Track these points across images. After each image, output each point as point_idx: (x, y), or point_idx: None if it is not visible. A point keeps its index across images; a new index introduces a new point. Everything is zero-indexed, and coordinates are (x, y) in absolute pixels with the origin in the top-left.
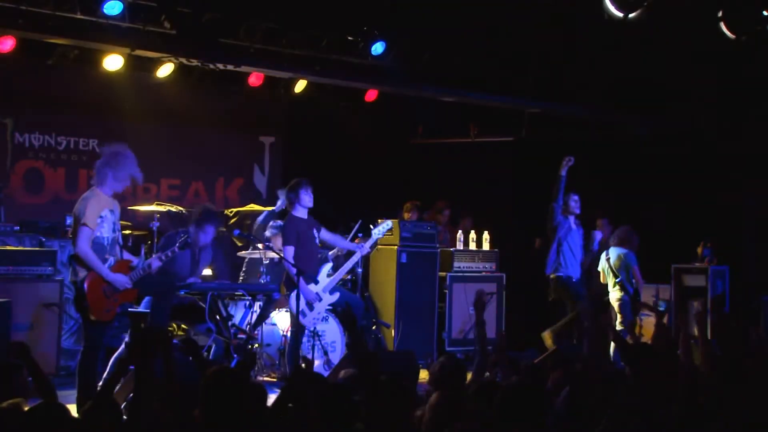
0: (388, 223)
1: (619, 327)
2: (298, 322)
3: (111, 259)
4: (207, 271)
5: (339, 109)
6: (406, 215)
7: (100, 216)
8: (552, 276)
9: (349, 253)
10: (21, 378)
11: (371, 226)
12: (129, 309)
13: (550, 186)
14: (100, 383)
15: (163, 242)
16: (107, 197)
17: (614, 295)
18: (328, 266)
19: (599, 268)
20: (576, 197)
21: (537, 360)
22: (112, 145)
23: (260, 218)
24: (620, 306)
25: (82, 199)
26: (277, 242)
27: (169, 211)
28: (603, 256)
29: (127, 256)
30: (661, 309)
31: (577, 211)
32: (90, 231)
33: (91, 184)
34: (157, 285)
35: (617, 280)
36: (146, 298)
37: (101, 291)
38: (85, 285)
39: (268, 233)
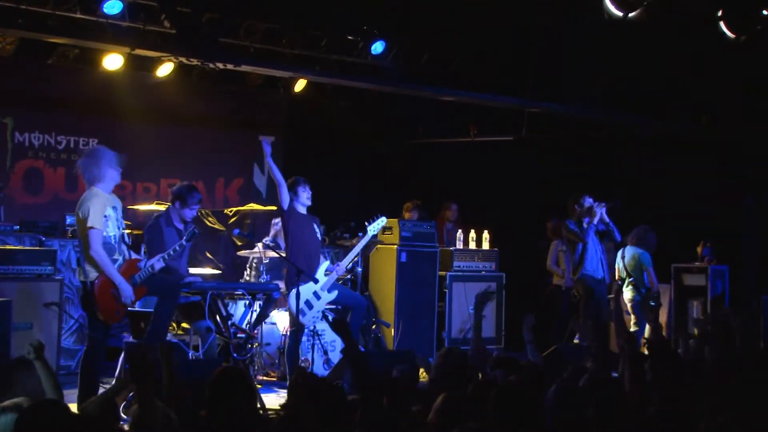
0: (382, 219)
1: (633, 328)
2: (297, 322)
3: (120, 259)
4: (209, 270)
5: (339, 109)
6: (407, 215)
7: (104, 215)
8: (575, 278)
9: (347, 250)
10: (33, 374)
11: (366, 223)
12: (128, 309)
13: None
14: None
15: (147, 237)
16: (108, 195)
17: (627, 295)
18: (325, 264)
19: (616, 265)
20: (602, 204)
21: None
22: (88, 148)
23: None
24: (632, 306)
25: (82, 201)
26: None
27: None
28: (619, 254)
29: (133, 255)
30: (652, 304)
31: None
32: (99, 232)
33: (88, 185)
34: (161, 286)
35: (630, 280)
36: (144, 297)
37: (111, 294)
38: (96, 287)
39: (273, 231)
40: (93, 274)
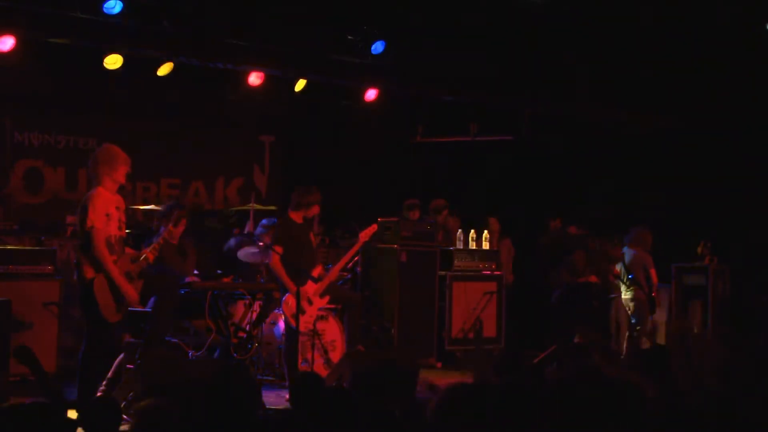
0: (374, 227)
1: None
2: (294, 323)
3: (115, 258)
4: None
5: (339, 109)
6: (408, 214)
7: (106, 214)
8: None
9: (344, 252)
10: None
11: (357, 227)
12: (129, 309)
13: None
14: (103, 383)
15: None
16: (111, 195)
17: (628, 295)
18: (318, 267)
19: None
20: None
21: (537, 359)
22: (99, 147)
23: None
24: (634, 306)
25: (84, 200)
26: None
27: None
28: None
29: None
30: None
31: None
32: (101, 232)
33: (92, 184)
34: (158, 284)
35: (630, 279)
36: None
37: (110, 293)
38: (94, 285)
39: (257, 231)
40: (91, 274)
